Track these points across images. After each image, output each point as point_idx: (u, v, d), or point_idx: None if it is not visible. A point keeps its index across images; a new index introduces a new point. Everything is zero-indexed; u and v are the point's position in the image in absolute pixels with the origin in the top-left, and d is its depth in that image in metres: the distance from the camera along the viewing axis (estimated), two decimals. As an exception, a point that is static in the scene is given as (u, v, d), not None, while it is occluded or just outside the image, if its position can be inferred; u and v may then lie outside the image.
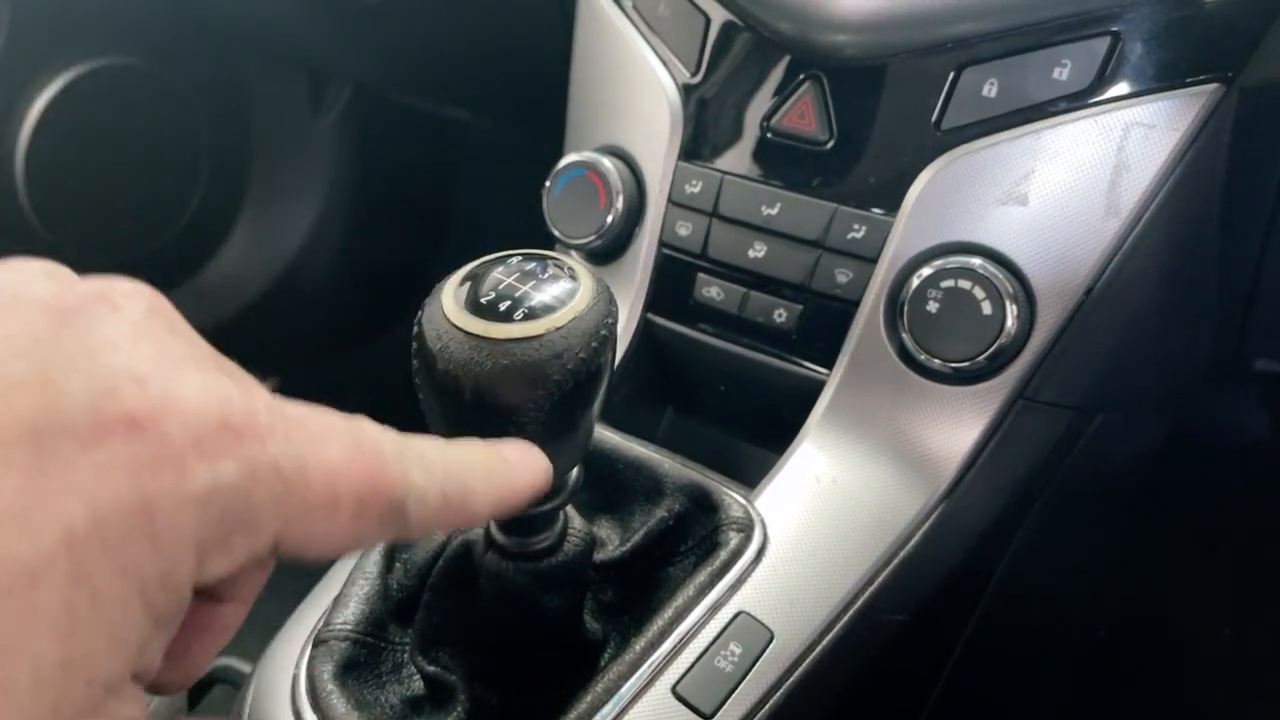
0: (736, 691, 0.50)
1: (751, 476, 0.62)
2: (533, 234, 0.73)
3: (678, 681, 0.49)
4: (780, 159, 0.67)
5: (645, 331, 0.73)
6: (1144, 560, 1.02)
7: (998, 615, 0.73)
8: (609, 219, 0.71)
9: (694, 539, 0.57)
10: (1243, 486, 1.00)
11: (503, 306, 0.36)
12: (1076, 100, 0.58)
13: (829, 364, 0.65)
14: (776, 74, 0.67)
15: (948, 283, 0.59)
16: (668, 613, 0.51)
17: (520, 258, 0.39)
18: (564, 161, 0.73)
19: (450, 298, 0.37)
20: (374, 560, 0.55)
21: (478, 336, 0.35)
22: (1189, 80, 0.56)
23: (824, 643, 0.53)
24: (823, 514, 0.59)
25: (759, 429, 0.73)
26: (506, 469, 0.34)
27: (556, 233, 0.74)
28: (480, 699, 0.50)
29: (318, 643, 0.51)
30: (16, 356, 0.24)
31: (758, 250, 0.67)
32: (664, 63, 0.71)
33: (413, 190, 1.71)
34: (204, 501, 0.25)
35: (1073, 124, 0.58)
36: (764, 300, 0.67)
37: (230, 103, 1.51)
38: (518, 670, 0.51)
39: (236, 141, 1.53)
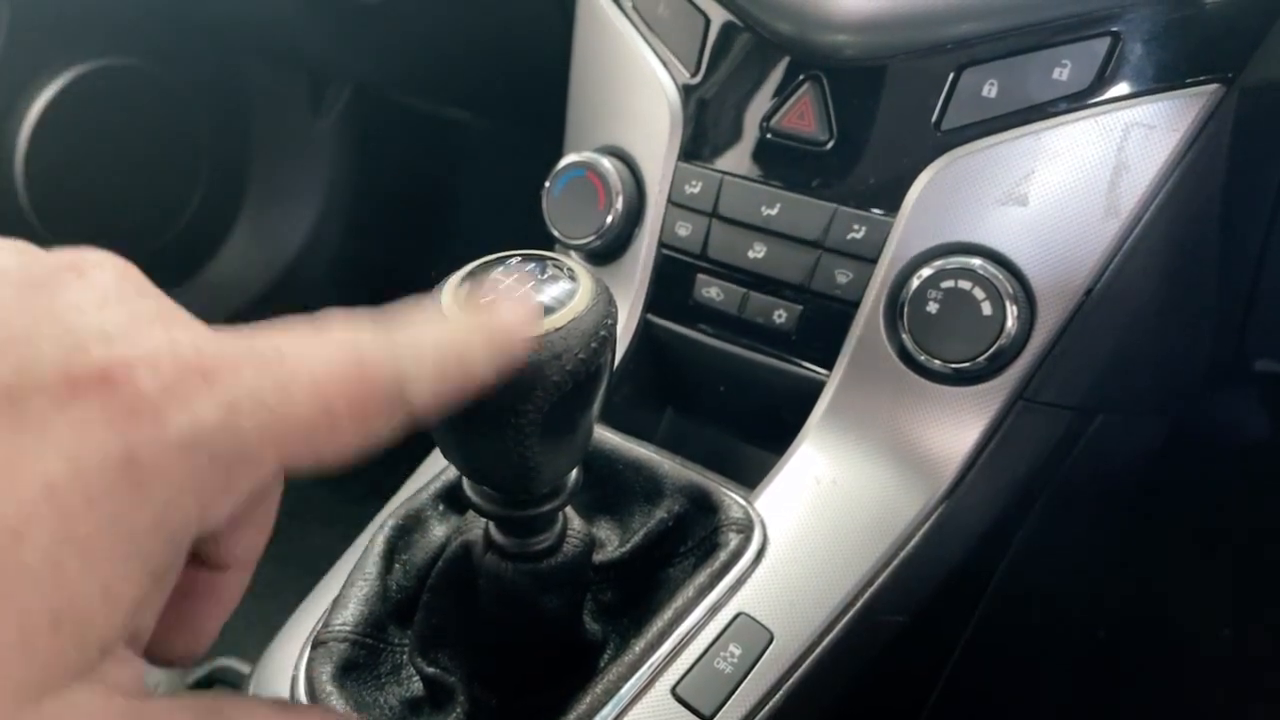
0: (736, 693, 0.50)
1: (751, 477, 0.62)
2: (532, 234, 0.73)
3: (677, 683, 0.49)
4: (780, 159, 0.67)
5: (645, 332, 0.73)
6: (1144, 560, 1.02)
7: (998, 615, 0.73)
8: (608, 219, 0.71)
9: (694, 540, 0.57)
10: (1243, 486, 1.00)
11: (502, 307, 0.36)
12: (1076, 101, 0.58)
13: (829, 365, 0.65)
14: (776, 74, 0.67)
15: (948, 283, 0.59)
16: (667, 614, 0.51)
17: (519, 258, 0.39)
18: (564, 162, 0.73)
19: (450, 298, 0.37)
20: (373, 561, 0.55)
21: (477, 337, 0.35)
22: (1189, 81, 0.56)
23: (824, 644, 0.53)
24: (823, 515, 0.59)
25: (759, 430, 0.73)
26: (498, 321, 0.33)
27: (556, 233, 0.74)
28: (479, 700, 0.50)
29: (317, 644, 0.51)
30: None
31: (757, 251, 0.67)
32: (664, 63, 0.71)
33: (413, 190, 1.71)
34: (188, 446, 0.24)
35: (1073, 124, 0.58)
36: (764, 301, 0.67)
37: (230, 103, 1.51)
38: (517, 671, 0.51)
39: (236, 142, 1.53)
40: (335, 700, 0.48)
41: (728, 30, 0.69)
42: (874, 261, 0.63)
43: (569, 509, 0.46)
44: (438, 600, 0.51)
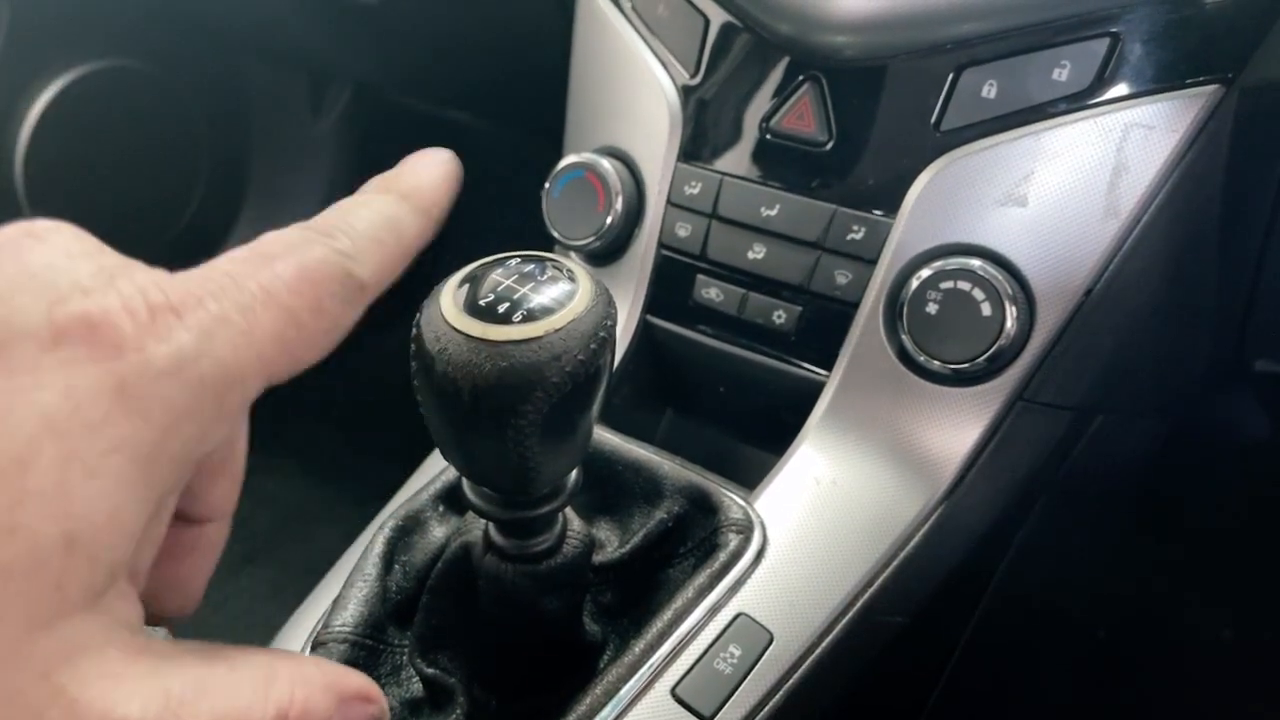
0: (736, 693, 0.50)
1: (751, 478, 0.62)
2: (532, 235, 0.73)
3: (677, 683, 0.49)
4: (779, 160, 0.67)
5: (644, 333, 0.73)
6: (1144, 560, 1.02)
7: (998, 615, 0.73)
8: (608, 220, 0.71)
9: (693, 541, 0.57)
10: (1243, 486, 1.00)
11: (501, 308, 0.36)
12: (1076, 101, 0.58)
13: (828, 365, 0.65)
14: (776, 75, 0.67)
15: (947, 284, 0.59)
16: (667, 614, 0.51)
17: (519, 259, 0.39)
18: (563, 163, 0.73)
19: (449, 299, 0.37)
20: (373, 562, 0.55)
21: (476, 338, 0.35)
22: (1188, 81, 0.56)
23: (824, 644, 0.53)
24: (822, 515, 0.59)
25: (758, 430, 0.73)
26: (412, 183, 0.35)
27: (555, 234, 0.74)
28: (479, 701, 0.50)
29: (316, 645, 0.51)
30: None
31: (757, 251, 0.67)
32: (663, 64, 0.71)
33: (412, 191, 1.71)
34: (173, 372, 0.25)
35: (1072, 125, 0.58)
36: (763, 301, 0.67)
37: (230, 104, 1.51)
38: (517, 672, 0.51)
39: (237, 142, 1.53)
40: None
41: (727, 31, 0.69)
42: (873, 262, 0.63)
43: (569, 510, 0.46)
44: (437, 601, 0.51)
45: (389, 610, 0.54)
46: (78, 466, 0.24)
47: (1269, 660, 1.02)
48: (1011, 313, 0.57)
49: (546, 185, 0.74)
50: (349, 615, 0.52)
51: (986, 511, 0.63)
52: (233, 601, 1.30)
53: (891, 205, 0.62)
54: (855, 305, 0.63)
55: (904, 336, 0.60)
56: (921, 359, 0.60)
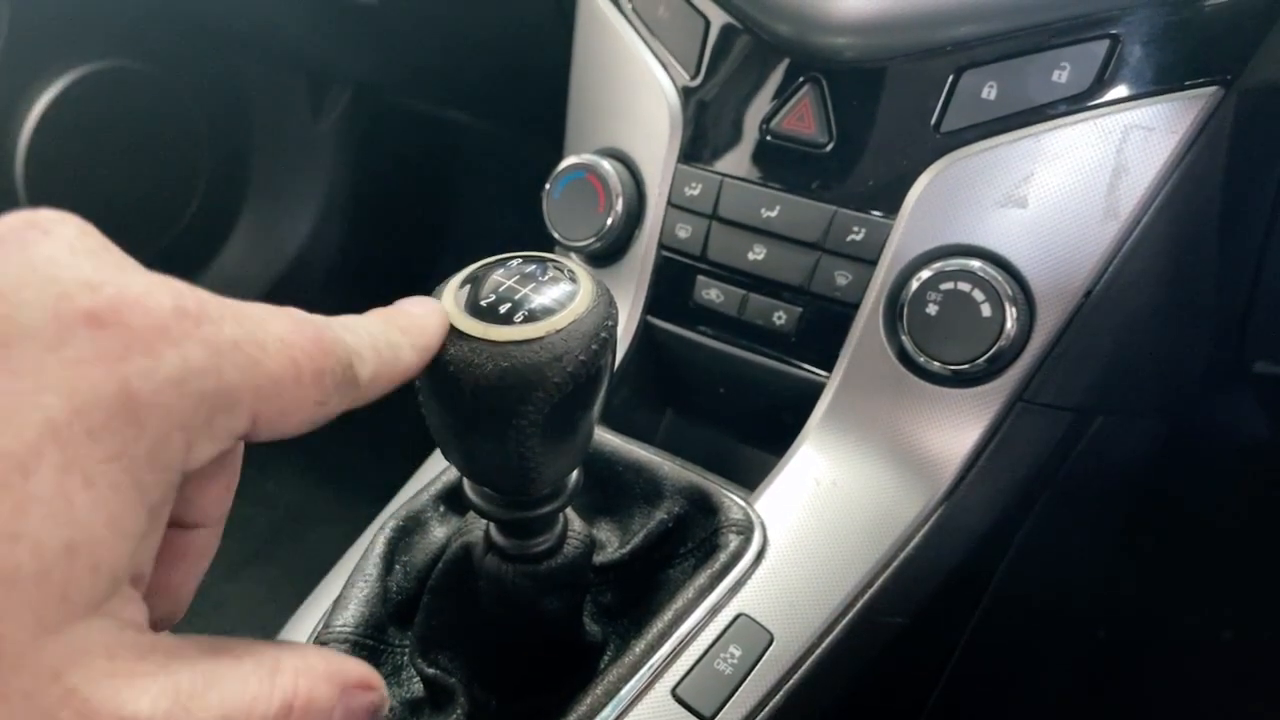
0: (736, 694, 0.50)
1: (751, 479, 0.62)
2: (532, 236, 0.73)
3: (677, 684, 0.49)
4: (780, 161, 0.67)
5: (645, 334, 0.73)
6: (1144, 560, 1.02)
7: (998, 615, 0.73)
8: (609, 221, 0.71)
9: (694, 541, 0.57)
10: (1243, 486, 1.01)
11: (503, 309, 0.36)
12: (1076, 103, 0.58)
13: (828, 366, 0.65)
14: (776, 76, 0.67)
15: (947, 285, 0.59)
16: (667, 615, 0.51)
17: (520, 260, 0.39)
18: (564, 164, 0.73)
19: (450, 300, 0.37)
20: (373, 563, 0.55)
21: (478, 339, 0.35)
22: (1188, 83, 0.56)
23: (824, 645, 0.54)
24: (822, 516, 0.59)
25: (759, 431, 0.73)
26: (415, 318, 0.36)
27: (556, 235, 0.74)
28: (479, 701, 0.50)
29: (317, 645, 0.51)
30: None
31: (757, 252, 0.67)
32: (663, 65, 0.71)
33: (413, 191, 1.71)
34: (179, 381, 0.25)
35: (1072, 127, 0.58)
36: (763, 302, 0.67)
37: (230, 104, 1.51)
38: (517, 672, 0.51)
39: (237, 143, 1.53)
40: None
41: (727, 32, 0.69)
42: (874, 263, 0.63)
43: (569, 510, 0.46)
44: (438, 601, 0.51)
45: (390, 610, 0.54)
46: (77, 474, 0.24)
47: (1269, 660, 1.02)
48: (1011, 314, 0.57)
49: (547, 186, 0.74)
50: (350, 615, 0.52)
51: (986, 512, 0.63)
52: (233, 602, 1.30)
53: (891, 206, 0.62)
54: (855, 306, 0.63)
55: (904, 337, 0.60)
56: (921, 360, 0.60)
